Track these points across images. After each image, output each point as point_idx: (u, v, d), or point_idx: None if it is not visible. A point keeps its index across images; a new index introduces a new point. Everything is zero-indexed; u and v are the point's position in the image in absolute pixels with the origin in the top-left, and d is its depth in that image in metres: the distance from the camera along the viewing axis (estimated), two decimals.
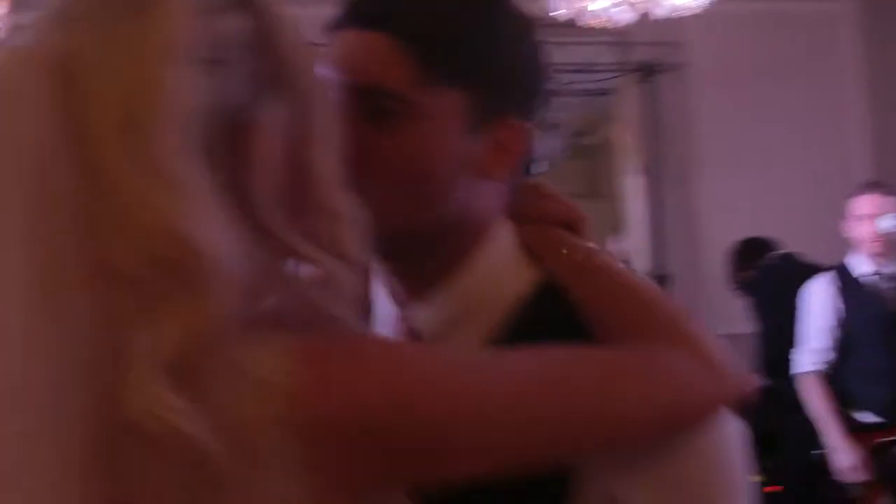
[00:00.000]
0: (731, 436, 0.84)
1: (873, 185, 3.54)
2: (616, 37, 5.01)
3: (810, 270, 3.71)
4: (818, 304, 3.45)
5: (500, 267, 0.90)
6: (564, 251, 0.90)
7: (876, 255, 3.40)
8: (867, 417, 3.38)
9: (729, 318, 4.55)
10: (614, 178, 5.49)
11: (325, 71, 0.83)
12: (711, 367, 0.81)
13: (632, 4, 3.58)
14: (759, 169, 5.08)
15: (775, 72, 5.14)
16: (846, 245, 3.55)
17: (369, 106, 0.84)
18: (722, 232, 4.68)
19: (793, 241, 4.33)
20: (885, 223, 3.36)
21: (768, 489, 3.54)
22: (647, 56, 5.00)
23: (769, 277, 4.13)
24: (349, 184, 0.80)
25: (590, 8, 3.56)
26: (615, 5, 3.57)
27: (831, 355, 3.42)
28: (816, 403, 3.39)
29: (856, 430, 3.34)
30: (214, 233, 0.66)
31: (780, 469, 3.61)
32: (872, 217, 3.37)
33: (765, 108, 5.13)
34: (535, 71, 0.91)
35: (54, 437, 0.63)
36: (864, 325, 3.39)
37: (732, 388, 0.83)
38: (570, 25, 4.00)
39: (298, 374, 0.68)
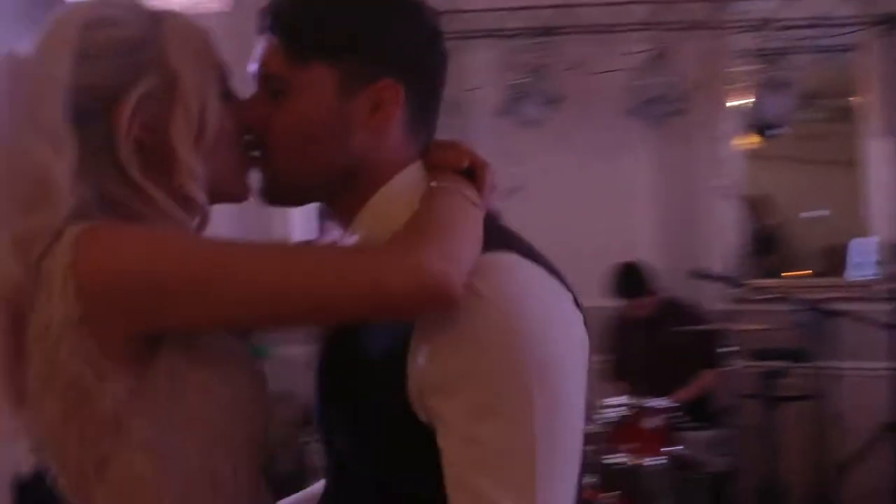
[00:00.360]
0: (508, 325, 1.00)
1: None
2: None
3: None
4: None
5: (400, 201, 1.12)
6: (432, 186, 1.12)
7: None
8: None
9: None
10: (855, 141, 5.13)
11: (250, 66, 1.16)
12: (420, 272, 0.98)
13: None
14: None
15: None
16: None
17: (268, 89, 1.13)
18: None
19: None
20: None
21: None
22: (891, 7, 4.63)
23: None
24: (265, 148, 1.14)
25: None
26: None
27: None
28: None
29: None
30: (65, 169, 1.05)
31: None
32: None
33: None
34: (410, 37, 1.13)
35: None
36: None
37: (430, 288, 0.98)
38: None
39: (80, 237, 1.02)
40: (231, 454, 1.11)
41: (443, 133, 1.20)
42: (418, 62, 1.14)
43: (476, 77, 4.83)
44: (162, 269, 1.01)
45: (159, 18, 1.14)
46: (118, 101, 1.09)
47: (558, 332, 1.04)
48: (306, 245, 1.16)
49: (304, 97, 1.10)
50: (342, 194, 1.15)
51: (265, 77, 1.13)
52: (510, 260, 1.05)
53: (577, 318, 1.08)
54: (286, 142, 1.12)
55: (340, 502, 1.17)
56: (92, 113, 1.09)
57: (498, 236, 1.08)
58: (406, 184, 1.14)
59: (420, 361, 1.02)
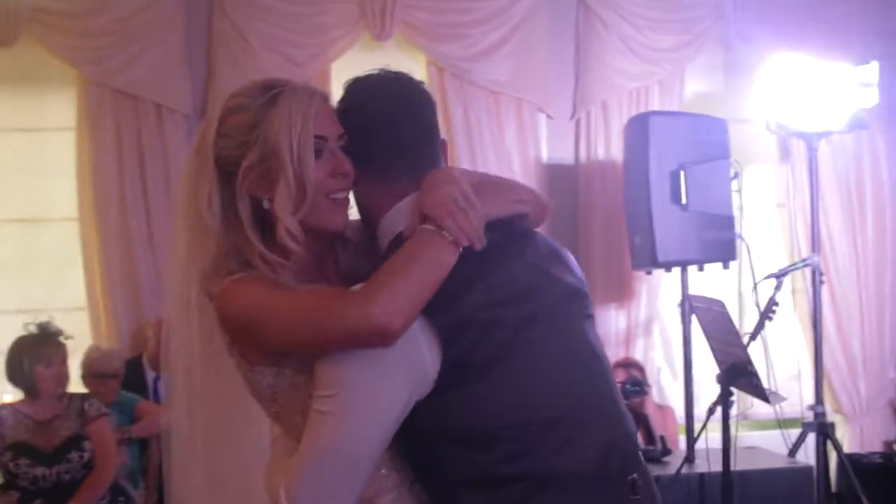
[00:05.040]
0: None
1: None
2: None
3: None
4: None
5: (390, 232, 1.68)
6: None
7: None
8: None
9: None
10: None
11: None
12: (365, 320, 1.46)
13: None
14: None
15: None
16: None
17: None
18: None
19: None
20: None
21: None
22: None
23: None
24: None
25: None
26: None
27: None
28: None
29: None
30: (218, 225, 1.60)
31: None
32: None
33: None
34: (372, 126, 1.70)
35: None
36: None
37: (371, 332, 1.47)
38: None
39: (224, 289, 1.58)
40: None
41: None
42: (364, 141, 1.65)
43: None
44: (251, 314, 1.54)
45: (275, 97, 1.56)
46: (235, 171, 1.56)
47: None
48: (316, 293, 1.60)
49: None
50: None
51: None
52: None
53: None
54: None
55: None
56: (227, 175, 1.57)
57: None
58: (393, 220, 1.66)
59: None
